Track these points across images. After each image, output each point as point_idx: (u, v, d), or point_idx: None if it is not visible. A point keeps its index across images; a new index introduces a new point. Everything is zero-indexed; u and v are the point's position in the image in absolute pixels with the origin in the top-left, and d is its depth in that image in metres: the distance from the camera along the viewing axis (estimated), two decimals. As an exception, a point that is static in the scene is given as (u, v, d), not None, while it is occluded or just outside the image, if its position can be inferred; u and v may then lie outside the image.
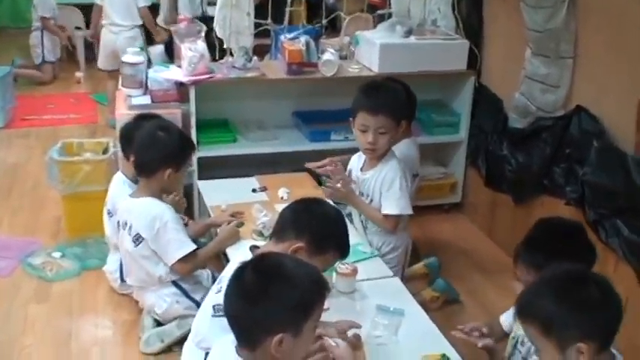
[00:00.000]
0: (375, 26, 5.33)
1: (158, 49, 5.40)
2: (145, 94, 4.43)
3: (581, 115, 3.72)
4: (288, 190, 3.77)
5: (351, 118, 3.36)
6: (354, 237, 2.84)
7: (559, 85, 3.88)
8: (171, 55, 5.35)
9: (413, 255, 3.81)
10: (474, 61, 4.66)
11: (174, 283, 3.47)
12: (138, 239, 3.38)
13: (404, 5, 5.05)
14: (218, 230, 3.49)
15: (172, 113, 4.21)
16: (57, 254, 4.21)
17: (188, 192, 4.30)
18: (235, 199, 3.72)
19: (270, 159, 4.57)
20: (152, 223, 3.33)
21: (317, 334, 2.19)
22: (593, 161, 3.57)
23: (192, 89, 4.29)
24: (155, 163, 3.34)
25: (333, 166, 3.55)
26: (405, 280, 3.39)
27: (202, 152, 4.36)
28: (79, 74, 8.04)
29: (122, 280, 3.73)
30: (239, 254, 2.69)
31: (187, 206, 4.02)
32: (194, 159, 4.20)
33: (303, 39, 4.55)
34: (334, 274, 2.90)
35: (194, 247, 3.40)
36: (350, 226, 2.81)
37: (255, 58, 4.51)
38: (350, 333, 2.51)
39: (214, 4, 4.71)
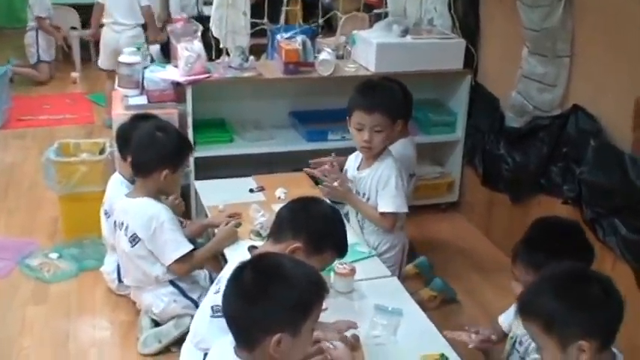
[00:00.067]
0: (371, 25, 5.34)
1: (154, 49, 5.40)
2: (141, 94, 4.42)
3: (578, 114, 3.72)
4: (285, 190, 3.77)
5: (347, 117, 3.37)
6: (352, 237, 2.84)
7: (556, 84, 3.88)
8: (167, 54, 5.34)
9: (409, 254, 3.81)
10: (470, 61, 4.66)
11: (172, 283, 3.46)
12: (134, 239, 3.37)
13: (400, 4, 5.05)
14: (216, 231, 3.48)
15: (169, 113, 4.21)
16: (54, 255, 4.20)
17: (185, 192, 4.30)
18: (232, 200, 3.72)
19: (267, 159, 4.57)
20: (149, 224, 3.32)
21: (315, 336, 2.19)
22: (590, 160, 3.58)
23: (189, 89, 4.29)
24: (152, 163, 3.34)
25: (329, 167, 3.55)
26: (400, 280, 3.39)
27: (199, 152, 4.35)
28: (74, 74, 8.02)
29: (120, 280, 3.73)
30: (237, 255, 2.69)
31: (184, 207, 4.02)
32: (191, 159, 4.19)
33: (299, 38, 4.55)
34: (332, 274, 2.90)
35: (191, 247, 3.40)
36: (347, 226, 2.81)
37: (251, 57, 4.51)
38: (349, 334, 2.51)
39: (210, 3, 4.71)
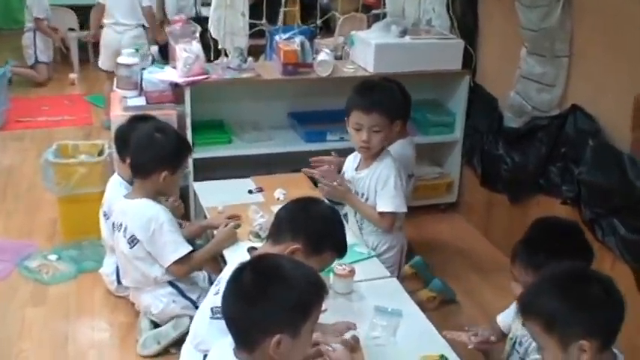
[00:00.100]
0: (369, 26, 5.35)
1: (153, 50, 5.40)
2: (140, 95, 4.42)
3: (576, 114, 3.72)
4: (284, 190, 3.77)
5: (345, 118, 3.37)
6: (351, 238, 2.84)
7: (554, 84, 3.88)
8: (165, 55, 5.34)
9: (407, 255, 3.81)
10: (469, 61, 4.66)
11: (170, 283, 3.46)
12: (133, 241, 3.37)
13: (398, 5, 5.05)
14: (215, 232, 3.48)
15: (167, 114, 4.20)
16: (53, 257, 4.20)
17: (184, 194, 4.30)
18: (231, 201, 3.72)
19: (265, 160, 4.57)
20: (147, 225, 3.32)
21: (314, 339, 2.19)
22: (589, 160, 3.58)
23: (188, 90, 4.29)
24: (151, 164, 3.34)
25: (327, 168, 3.56)
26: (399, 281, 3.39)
27: (198, 153, 4.35)
28: (73, 76, 8.01)
29: (119, 282, 3.73)
30: (237, 256, 2.69)
31: (184, 210, 4.02)
32: (190, 160, 4.19)
33: (298, 39, 4.55)
34: (332, 275, 2.90)
35: (190, 248, 3.40)
36: (346, 227, 2.81)
37: (250, 58, 4.51)
38: (348, 335, 2.51)
39: (208, 4, 4.71)
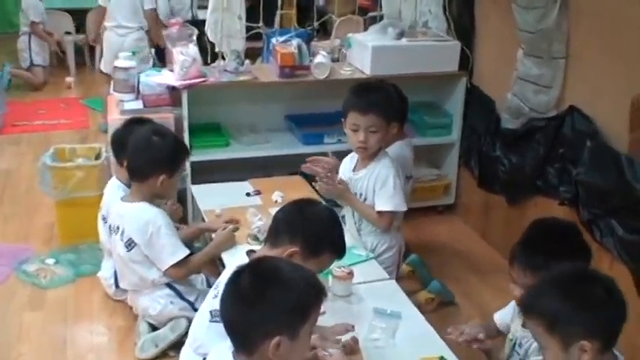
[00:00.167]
0: (365, 28, 5.35)
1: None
2: (137, 98, 4.42)
3: (574, 116, 3.73)
4: (282, 193, 3.77)
5: (342, 119, 3.38)
6: (349, 240, 2.84)
7: (551, 85, 3.89)
8: (162, 59, 5.34)
9: (404, 255, 3.82)
10: (465, 63, 4.67)
11: (168, 285, 3.46)
12: (130, 244, 3.37)
13: (395, 7, 5.06)
14: (213, 235, 3.47)
15: (165, 118, 4.21)
16: (50, 261, 4.19)
17: (181, 197, 4.30)
18: (229, 204, 3.72)
19: (263, 162, 4.57)
20: (145, 228, 3.32)
21: (311, 343, 2.19)
22: (587, 161, 3.58)
23: (185, 93, 4.28)
24: (148, 167, 3.33)
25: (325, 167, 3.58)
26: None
27: (195, 157, 4.34)
28: (69, 79, 8.01)
29: (117, 286, 3.72)
30: (235, 259, 2.68)
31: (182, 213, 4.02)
32: (187, 164, 4.19)
33: (294, 42, 4.55)
34: (330, 277, 2.90)
35: (187, 252, 3.39)
36: (344, 229, 2.81)
37: (247, 61, 4.51)
38: (348, 336, 2.52)
39: (204, 7, 4.70)
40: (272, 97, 4.82)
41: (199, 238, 3.86)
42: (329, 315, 2.64)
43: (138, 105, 4.37)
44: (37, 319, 3.73)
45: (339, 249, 2.61)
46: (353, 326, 2.60)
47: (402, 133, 3.90)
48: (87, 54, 8.69)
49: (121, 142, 3.65)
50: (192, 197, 4.11)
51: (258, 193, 3.87)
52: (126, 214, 3.39)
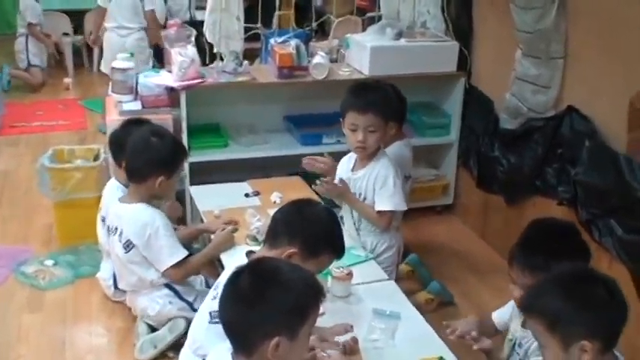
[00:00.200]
0: (364, 29, 5.34)
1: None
2: (135, 99, 4.41)
3: (572, 116, 3.73)
4: (280, 194, 3.76)
5: (341, 119, 3.38)
6: (347, 240, 2.83)
7: (550, 85, 3.89)
8: (161, 59, 5.34)
9: (403, 255, 3.82)
10: (464, 63, 4.67)
11: (167, 285, 3.46)
12: (128, 246, 3.36)
13: (393, 7, 5.06)
14: (212, 237, 3.47)
15: (163, 119, 4.20)
16: (49, 262, 4.19)
17: (180, 198, 4.30)
18: (228, 204, 3.71)
19: (261, 163, 4.57)
20: (143, 230, 3.31)
21: (310, 344, 2.19)
22: (585, 161, 3.59)
23: (183, 94, 4.28)
24: (147, 168, 3.32)
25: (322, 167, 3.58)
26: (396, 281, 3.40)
27: (194, 157, 4.34)
28: (67, 80, 8.01)
29: (116, 287, 3.72)
30: (234, 260, 2.68)
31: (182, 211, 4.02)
32: (185, 164, 4.18)
33: (293, 42, 4.55)
34: (330, 278, 2.90)
35: (186, 253, 3.39)
36: (343, 230, 2.80)
37: (245, 62, 4.51)
38: (347, 337, 2.52)
39: (202, 8, 4.70)
40: (270, 97, 4.82)
41: (198, 239, 3.86)
42: (328, 316, 2.64)
43: (136, 106, 4.36)
44: (36, 321, 3.72)
45: (337, 249, 2.61)
46: (352, 326, 2.60)
47: (401, 133, 3.91)
48: (85, 55, 8.69)
49: (119, 143, 3.65)
50: (191, 198, 4.11)
51: (256, 193, 3.86)
52: (124, 215, 3.39)
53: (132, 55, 4.70)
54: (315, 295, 2.01)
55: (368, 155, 3.38)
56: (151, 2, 6.28)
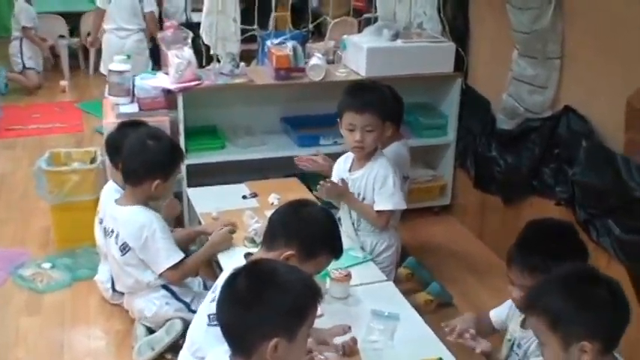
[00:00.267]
0: (360, 30, 5.35)
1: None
2: (132, 102, 4.41)
3: (569, 116, 3.73)
4: (278, 195, 3.76)
5: (338, 120, 3.39)
6: (345, 242, 2.84)
7: (546, 85, 3.89)
8: (157, 61, 5.33)
9: (400, 257, 3.82)
10: (460, 64, 4.67)
11: (164, 286, 3.45)
12: (125, 248, 3.36)
13: (390, 9, 5.06)
14: (209, 238, 3.46)
15: (160, 121, 4.19)
16: (47, 265, 4.18)
17: (178, 199, 4.28)
18: (226, 206, 3.71)
19: (259, 165, 4.57)
20: (139, 233, 3.31)
21: (308, 347, 2.19)
22: (583, 161, 3.59)
23: (180, 96, 4.28)
24: (143, 171, 3.32)
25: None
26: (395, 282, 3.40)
27: (191, 159, 4.34)
28: (63, 83, 8.00)
29: (114, 290, 3.72)
30: (233, 262, 2.68)
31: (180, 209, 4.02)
32: (183, 167, 4.18)
33: (290, 44, 4.55)
34: (328, 279, 2.90)
35: (182, 255, 3.39)
36: (340, 231, 2.80)
37: (242, 64, 4.51)
38: (347, 337, 2.51)
39: (199, 10, 4.70)
40: (267, 99, 4.82)
41: (195, 241, 3.85)
42: (327, 317, 2.64)
43: (133, 108, 4.35)
44: (34, 324, 3.72)
45: (335, 249, 2.60)
46: (350, 327, 2.60)
47: (399, 134, 3.91)
48: (81, 57, 8.68)
49: (115, 145, 3.64)
50: (189, 200, 4.11)
51: (254, 195, 3.86)
52: (120, 217, 3.38)
53: (129, 57, 4.70)
54: (313, 295, 2.01)
55: (366, 155, 3.39)
56: (150, 4, 6.29)
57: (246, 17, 4.68)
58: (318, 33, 6.40)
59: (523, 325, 2.56)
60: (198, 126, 4.55)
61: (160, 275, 3.38)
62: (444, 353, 2.55)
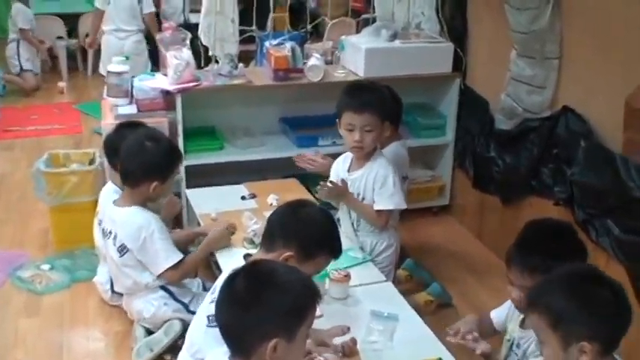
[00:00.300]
0: (358, 31, 5.34)
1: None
2: (130, 103, 4.40)
3: (567, 116, 3.73)
4: (277, 196, 3.76)
5: (337, 120, 3.39)
6: (345, 242, 2.83)
7: (545, 86, 3.89)
8: (156, 63, 5.33)
9: (399, 258, 3.82)
10: (459, 64, 4.67)
11: (162, 287, 3.45)
12: (123, 249, 3.36)
13: (388, 9, 5.06)
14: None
15: (159, 122, 4.19)
16: (46, 267, 4.18)
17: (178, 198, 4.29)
18: (224, 207, 3.71)
19: (257, 166, 4.56)
20: (137, 234, 3.31)
21: (307, 349, 2.19)
22: (581, 161, 3.59)
23: (179, 97, 4.27)
24: (140, 173, 3.31)
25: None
26: (395, 282, 3.40)
27: (190, 160, 4.34)
28: (61, 84, 8.01)
29: (113, 291, 3.71)
30: (232, 263, 2.68)
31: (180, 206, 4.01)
32: (181, 167, 4.18)
33: (288, 45, 4.55)
34: (327, 280, 2.90)
35: (181, 255, 3.39)
36: (339, 231, 2.80)
37: (240, 64, 4.51)
38: (346, 338, 2.51)
39: (197, 11, 4.70)
40: (266, 100, 4.82)
41: (194, 242, 3.84)
42: (326, 318, 2.64)
43: (132, 110, 4.34)
44: (33, 325, 3.72)
45: (334, 249, 2.59)
46: (349, 328, 2.60)
47: (397, 134, 3.91)
48: (79, 59, 8.68)
49: (113, 146, 3.63)
50: (188, 201, 4.10)
51: (253, 196, 3.86)
52: (118, 219, 3.38)
53: (127, 58, 4.70)
54: (312, 295, 2.01)
55: (365, 155, 3.39)
56: (149, 6, 6.29)
57: (244, 18, 4.67)
58: (317, 34, 6.39)
59: (522, 325, 2.56)
60: (196, 127, 4.54)
61: (160, 276, 3.38)
62: (443, 354, 2.55)
